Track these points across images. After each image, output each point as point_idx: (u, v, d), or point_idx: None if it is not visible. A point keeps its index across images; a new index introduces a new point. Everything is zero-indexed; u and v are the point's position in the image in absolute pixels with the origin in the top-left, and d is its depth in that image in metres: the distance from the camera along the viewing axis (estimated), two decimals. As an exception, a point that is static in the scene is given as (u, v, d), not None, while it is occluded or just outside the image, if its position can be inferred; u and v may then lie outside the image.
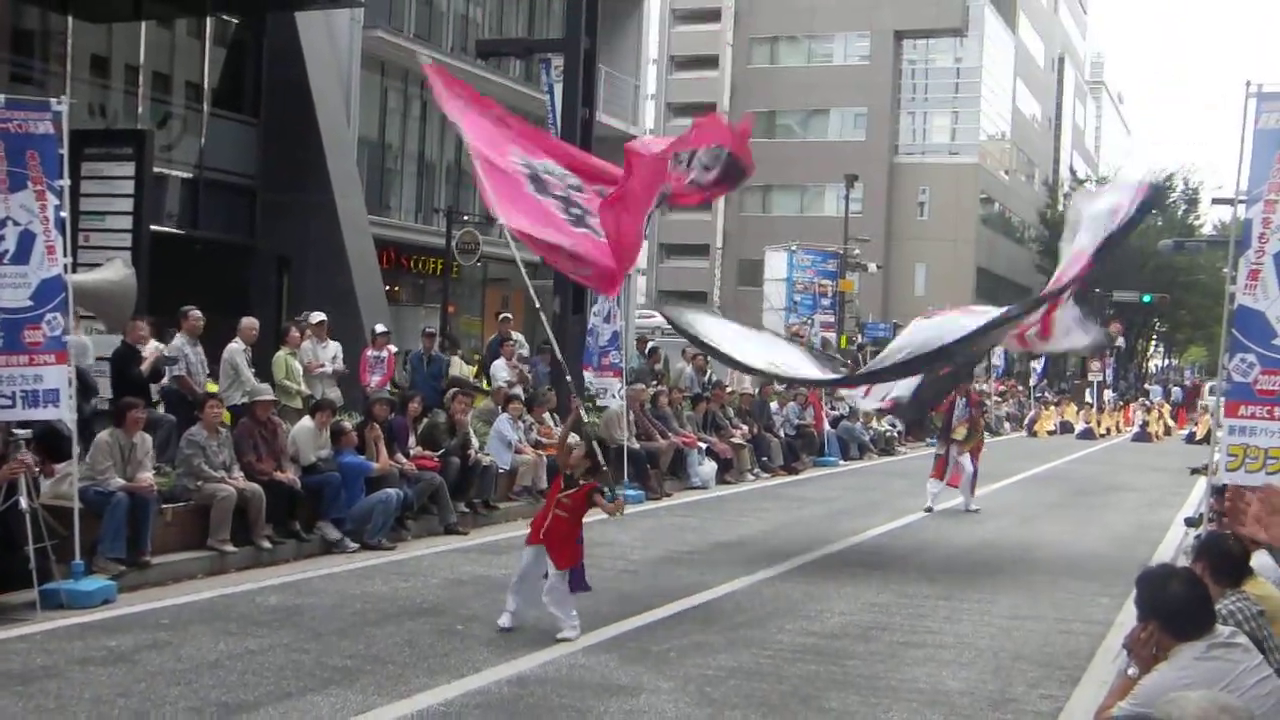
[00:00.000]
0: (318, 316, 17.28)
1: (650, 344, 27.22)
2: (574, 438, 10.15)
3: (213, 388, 14.59)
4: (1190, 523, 15.99)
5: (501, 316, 22.96)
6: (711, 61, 72.89)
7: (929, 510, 17.89)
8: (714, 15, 73.42)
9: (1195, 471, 17.34)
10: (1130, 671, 4.99)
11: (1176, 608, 4.77)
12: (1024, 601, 11.76)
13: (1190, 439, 38.49)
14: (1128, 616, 9.96)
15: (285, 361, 15.96)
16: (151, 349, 13.79)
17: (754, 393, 25.56)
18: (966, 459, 18.42)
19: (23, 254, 10.18)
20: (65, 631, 9.17)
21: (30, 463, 10.07)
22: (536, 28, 36.00)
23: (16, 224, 10.16)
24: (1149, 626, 4.83)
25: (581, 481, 9.68)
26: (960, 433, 18.49)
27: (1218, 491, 10.45)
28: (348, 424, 14.26)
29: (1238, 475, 9.38)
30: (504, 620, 9.47)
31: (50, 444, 10.70)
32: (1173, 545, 15.53)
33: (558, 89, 21.22)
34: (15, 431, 9.92)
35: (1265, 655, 4.98)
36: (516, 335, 21.63)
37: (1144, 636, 4.84)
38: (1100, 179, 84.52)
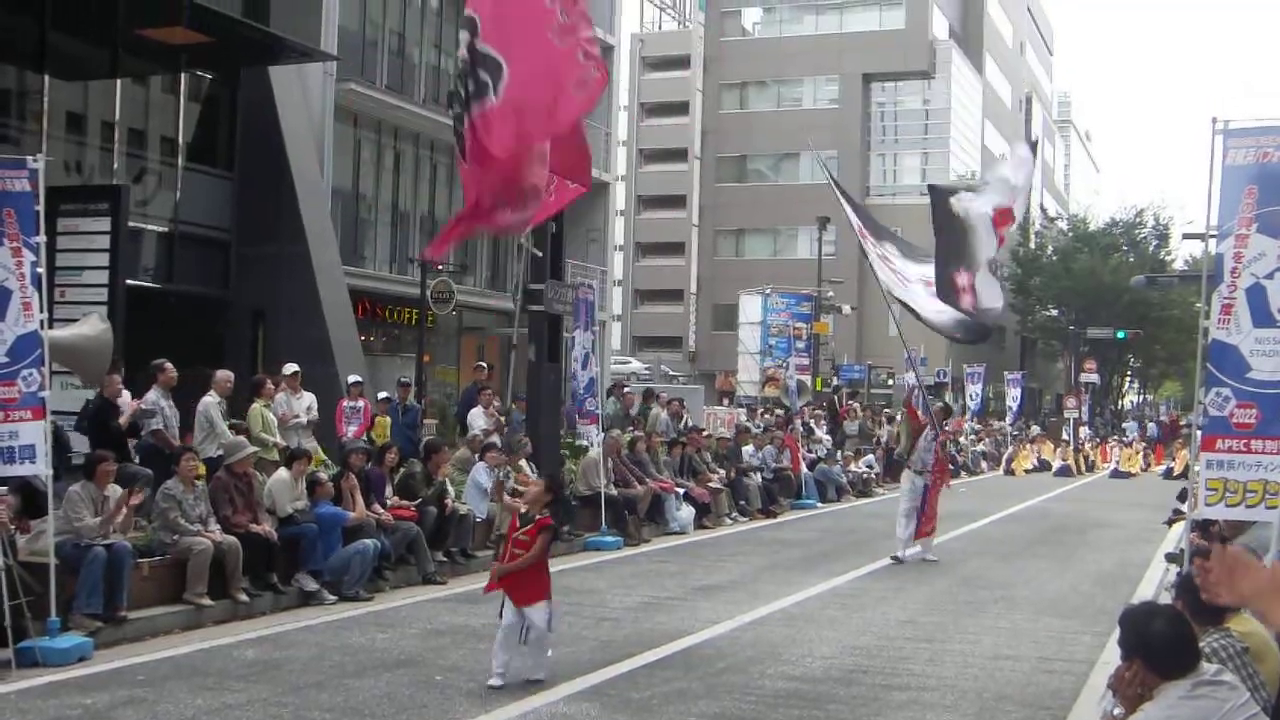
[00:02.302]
0: (291, 368, 17.23)
1: (625, 388, 27.27)
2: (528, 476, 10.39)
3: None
4: (1172, 559, 16.00)
5: (476, 365, 22.93)
6: (682, 108, 73.47)
7: (934, 561, 17.28)
8: (684, 62, 74.02)
9: (1171, 523, 17.16)
10: (1115, 712, 4.97)
11: (1161, 646, 4.76)
12: (1006, 641, 11.75)
13: (1168, 475, 38.60)
14: (1111, 655, 9.95)
15: (260, 413, 15.89)
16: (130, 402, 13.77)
17: (729, 437, 25.59)
18: (921, 493, 17.45)
19: (-1, 310, 10.16)
20: (41, 690, 9.07)
21: (12, 503, 10.02)
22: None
23: (-7, 281, 10.14)
24: (1134, 665, 4.81)
25: (537, 517, 9.61)
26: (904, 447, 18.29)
27: (1200, 526, 10.47)
28: (324, 475, 14.21)
29: (1218, 509, 9.42)
30: (495, 681, 9.27)
31: (26, 500, 10.63)
32: (1154, 582, 15.55)
33: (530, 137, 21.27)
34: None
35: (1251, 693, 4.97)
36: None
37: (1129, 675, 4.82)
38: (1071, 216, 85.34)
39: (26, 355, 10.23)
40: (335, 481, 14.07)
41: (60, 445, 12.11)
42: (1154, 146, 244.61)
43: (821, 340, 51.73)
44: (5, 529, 9.86)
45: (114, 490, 11.54)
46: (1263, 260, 9.05)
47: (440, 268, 30.93)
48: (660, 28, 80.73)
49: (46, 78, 20.35)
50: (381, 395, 19.88)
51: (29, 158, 10.59)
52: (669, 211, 73.51)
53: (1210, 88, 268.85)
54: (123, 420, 13.78)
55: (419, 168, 33.31)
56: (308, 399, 17.11)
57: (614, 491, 18.91)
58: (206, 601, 11.95)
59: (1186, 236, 62.35)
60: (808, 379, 45.90)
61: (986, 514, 24.61)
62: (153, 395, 14.38)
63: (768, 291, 52.80)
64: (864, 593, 14.59)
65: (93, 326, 13.99)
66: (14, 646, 9.63)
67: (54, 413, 10.94)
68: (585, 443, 19.43)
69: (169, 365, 14.61)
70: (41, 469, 10.37)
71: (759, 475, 24.21)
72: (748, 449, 25.00)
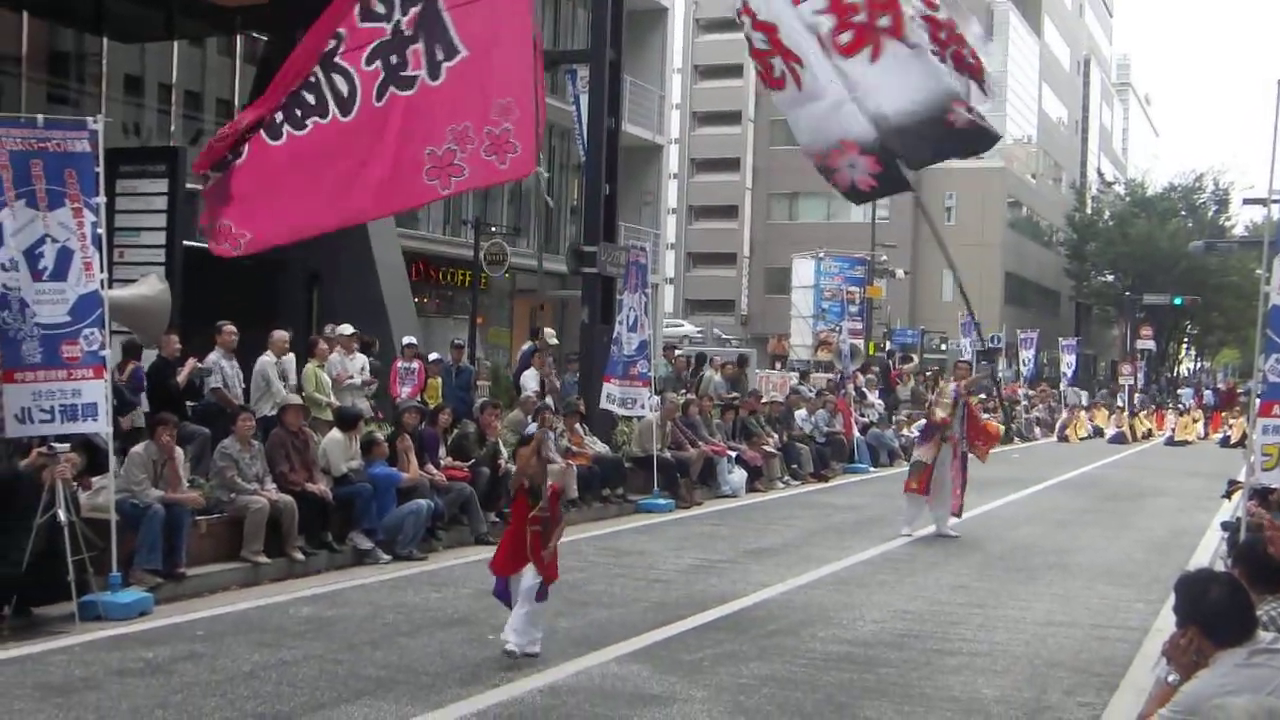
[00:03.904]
0: (346, 329, 17.34)
1: (679, 352, 27.28)
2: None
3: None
4: (1228, 527, 15.85)
5: (540, 329, 22.97)
6: (736, 70, 72.94)
7: (909, 535, 15.90)
8: (736, 24, 73.42)
9: (1229, 495, 16.88)
10: (1170, 679, 4.96)
11: (1218, 613, 4.73)
12: (1059, 608, 11.71)
13: (1225, 443, 38.22)
14: (1165, 623, 9.90)
15: (314, 374, 16.02)
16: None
17: (782, 401, 25.55)
18: (955, 466, 16.06)
19: (61, 271, 10.29)
20: (103, 643, 9.24)
21: (76, 461, 10.19)
22: (562, 39, 36.12)
23: (55, 241, 10.28)
24: (1189, 632, 4.79)
25: (546, 489, 9.17)
26: (941, 410, 16.10)
27: (1258, 495, 10.38)
28: (380, 435, 14.31)
29: (1274, 474, 9.35)
30: (512, 646, 8.92)
31: (88, 457, 10.79)
32: (1210, 550, 15.43)
33: (584, 100, 21.31)
34: (54, 445, 10.00)
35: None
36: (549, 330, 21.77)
37: (1184, 643, 4.80)
38: (1129, 181, 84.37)
39: (88, 315, 10.37)
40: (391, 442, 14.17)
41: (123, 404, 12.26)
42: (1216, 110, 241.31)
43: (875, 304, 51.47)
44: (68, 485, 10.01)
45: (175, 452, 11.69)
46: (1326, 225, 8.94)
47: (494, 230, 31.00)
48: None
49: (105, 40, 20.53)
50: (433, 357, 19.97)
51: (89, 119, 10.70)
52: (722, 174, 73.16)
53: (1275, 49, 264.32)
54: (180, 379, 13.94)
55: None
56: (360, 360, 17.23)
57: (667, 454, 18.95)
58: (263, 559, 12.11)
59: (1247, 201, 61.55)
60: (860, 343, 45.71)
61: (1040, 480, 24.49)
62: (214, 355, 14.56)
63: (821, 255, 52.52)
64: (915, 557, 14.57)
65: (151, 287, 14.14)
66: (77, 600, 9.80)
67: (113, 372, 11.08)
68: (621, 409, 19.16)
69: (229, 326, 14.78)
70: (103, 427, 10.53)
71: (812, 439, 24.21)
72: (800, 413, 24.98)
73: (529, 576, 8.95)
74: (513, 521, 9.35)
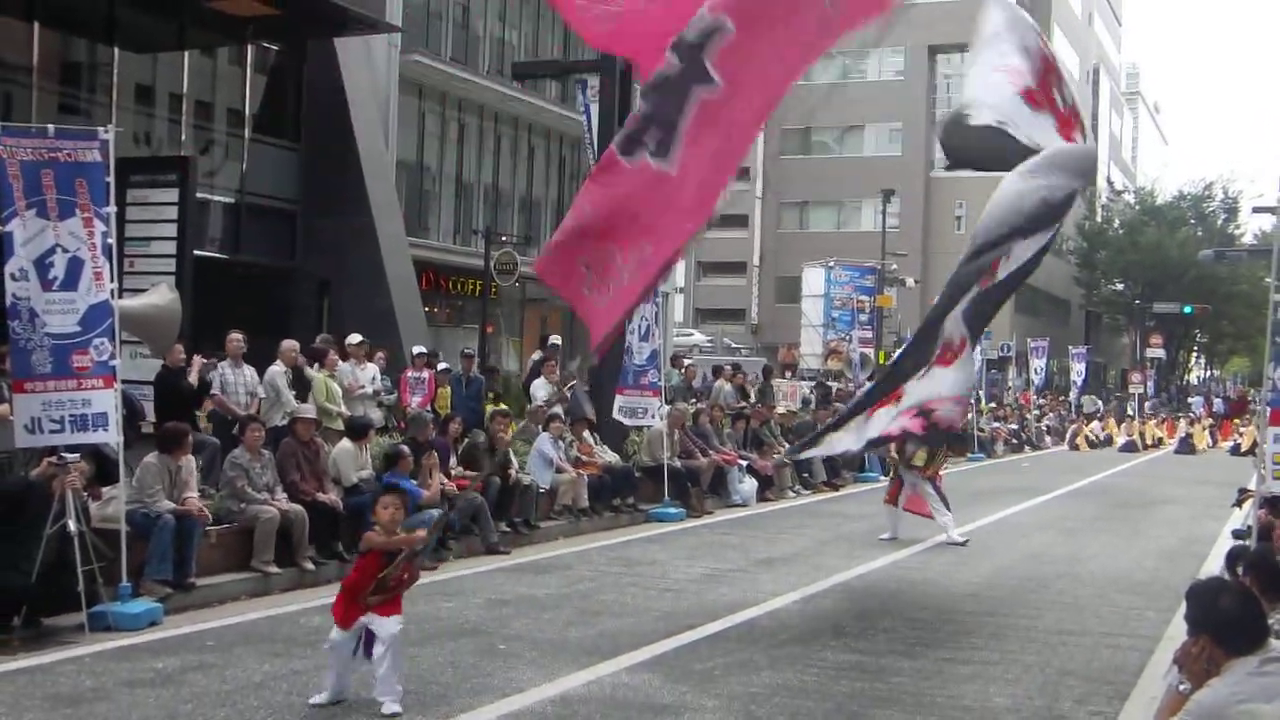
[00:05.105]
0: (355, 338, 17.37)
1: (689, 362, 27.30)
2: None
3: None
4: (1239, 535, 15.81)
5: (551, 342, 22.97)
6: (746, 79, 73.02)
7: (892, 538, 16.32)
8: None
9: (1239, 503, 16.87)
10: (1181, 687, 4.95)
11: (1229, 622, 4.73)
12: (1069, 617, 11.68)
13: (1235, 451, 38.13)
14: (1177, 631, 9.88)
15: (324, 383, 16.02)
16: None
17: (796, 410, 25.55)
18: (926, 484, 16.36)
19: (71, 280, 10.31)
20: (113, 654, 9.23)
21: (86, 471, 10.19)
22: (572, 49, 36.07)
23: (65, 251, 10.29)
24: (1201, 641, 4.78)
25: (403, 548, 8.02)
26: (920, 458, 16.35)
27: (1269, 503, 10.36)
28: (405, 448, 14.27)
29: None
30: (322, 698, 7.95)
31: (97, 467, 10.80)
32: (1221, 558, 15.37)
33: (594, 109, 21.31)
34: (64, 455, 10.01)
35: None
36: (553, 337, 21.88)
37: (1196, 651, 4.79)
38: (1138, 190, 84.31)
39: (98, 324, 10.39)
40: (417, 457, 14.13)
41: (134, 413, 12.28)
42: (1225, 118, 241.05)
43: (885, 313, 51.43)
44: (79, 495, 10.02)
45: (187, 461, 11.68)
46: (1336, 234, 8.92)
47: (504, 239, 31.05)
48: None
49: (116, 50, 20.62)
50: (441, 366, 20.00)
51: (100, 129, 10.73)
52: (732, 184, 73.22)
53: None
54: (192, 379, 13.98)
55: (483, 139, 33.40)
56: (371, 369, 17.25)
57: (677, 463, 18.94)
58: (273, 569, 12.11)
59: (1256, 210, 61.58)
60: (870, 352, 45.69)
61: (1051, 489, 24.45)
62: (222, 366, 14.64)
63: (831, 264, 52.52)
64: (926, 566, 14.54)
65: (162, 296, 14.16)
66: (87, 611, 9.81)
67: (123, 381, 11.09)
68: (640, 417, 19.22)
69: (234, 334, 14.85)
70: (113, 437, 10.53)
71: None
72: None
73: (392, 624, 7.87)
74: (356, 572, 8.13)
